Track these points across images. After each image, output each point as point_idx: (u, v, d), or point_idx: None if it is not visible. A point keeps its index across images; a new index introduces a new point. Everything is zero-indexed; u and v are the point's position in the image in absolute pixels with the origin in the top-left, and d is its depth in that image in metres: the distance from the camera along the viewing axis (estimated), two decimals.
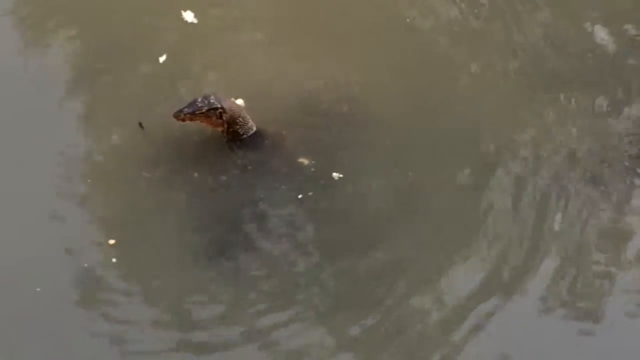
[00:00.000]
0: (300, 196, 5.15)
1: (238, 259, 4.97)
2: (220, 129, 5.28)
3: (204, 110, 5.18)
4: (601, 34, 5.90)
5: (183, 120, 5.21)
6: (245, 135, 5.29)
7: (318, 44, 5.66)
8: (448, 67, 5.71)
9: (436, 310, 4.88)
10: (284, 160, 5.29)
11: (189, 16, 5.69)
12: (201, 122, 5.25)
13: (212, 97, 5.21)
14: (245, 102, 5.36)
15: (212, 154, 5.30)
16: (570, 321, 4.87)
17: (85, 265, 4.84)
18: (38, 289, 4.74)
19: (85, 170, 5.16)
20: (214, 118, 5.22)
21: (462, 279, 4.97)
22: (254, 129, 5.32)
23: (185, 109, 5.19)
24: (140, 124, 5.30)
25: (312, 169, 5.24)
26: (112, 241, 4.97)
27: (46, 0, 5.74)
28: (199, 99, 5.20)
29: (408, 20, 5.88)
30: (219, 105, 5.19)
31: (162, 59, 5.53)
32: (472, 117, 5.50)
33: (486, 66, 5.74)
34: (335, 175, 5.22)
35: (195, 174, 5.20)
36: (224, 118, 5.22)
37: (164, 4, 5.72)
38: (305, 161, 5.27)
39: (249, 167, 5.25)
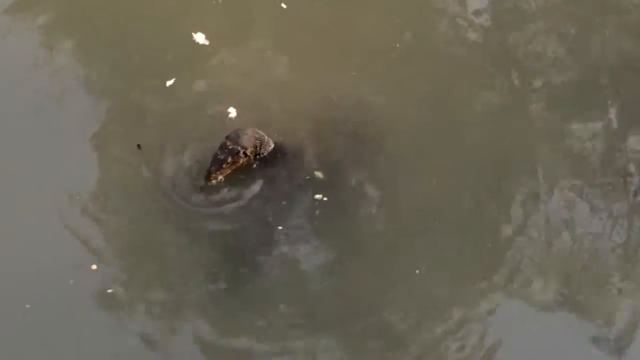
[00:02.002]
0: (317, 212, 5.13)
1: (249, 280, 4.97)
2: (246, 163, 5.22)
3: (229, 161, 5.12)
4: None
5: (217, 178, 5.12)
6: (264, 153, 5.25)
7: (336, 63, 5.67)
8: (469, 87, 5.67)
9: (446, 329, 4.88)
10: (301, 175, 5.25)
11: (200, 38, 5.67)
12: (233, 168, 5.17)
13: (228, 143, 5.14)
14: (260, 122, 5.30)
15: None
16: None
17: (72, 282, 4.83)
18: (27, 306, 4.77)
19: (82, 192, 5.16)
20: (241, 160, 5.15)
21: (478, 300, 4.95)
22: (272, 144, 5.26)
23: (212, 169, 5.12)
24: (138, 146, 5.27)
25: (327, 183, 5.22)
26: (94, 266, 4.91)
27: (54, 23, 5.77)
28: (219, 152, 5.13)
29: (427, 37, 5.89)
30: (239, 148, 5.12)
31: (169, 82, 5.50)
32: (492, 138, 5.46)
33: (508, 84, 5.69)
34: (317, 196, 5.17)
35: (202, 194, 5.19)
36: (249, 153, 5.16)
37: (175, 26, 5.71)
38: (321, 175, 5.24)
39: (266, 184, 5.23)
